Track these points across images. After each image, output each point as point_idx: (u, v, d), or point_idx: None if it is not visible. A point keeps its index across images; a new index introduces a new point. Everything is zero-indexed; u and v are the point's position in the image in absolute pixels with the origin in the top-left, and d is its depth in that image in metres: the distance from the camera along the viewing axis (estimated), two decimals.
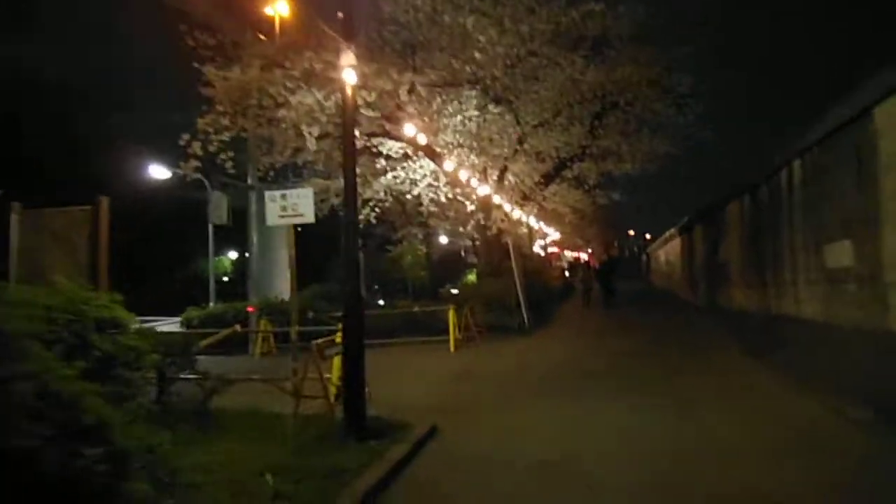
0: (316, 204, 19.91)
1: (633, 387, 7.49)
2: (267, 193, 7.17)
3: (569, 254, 52.70)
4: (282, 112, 11.83)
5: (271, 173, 15.56)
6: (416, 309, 12.70)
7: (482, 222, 17.49)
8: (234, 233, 34.05)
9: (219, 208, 13.40)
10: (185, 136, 10.88)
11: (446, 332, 12.12)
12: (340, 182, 18.53)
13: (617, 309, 21.40)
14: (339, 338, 6.87)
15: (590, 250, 50.60)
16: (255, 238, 31.02)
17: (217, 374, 6.51)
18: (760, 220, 11.76)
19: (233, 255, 41.39)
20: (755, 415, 6.13)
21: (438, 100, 14.57)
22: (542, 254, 40.08)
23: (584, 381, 8.23)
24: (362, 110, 13.51)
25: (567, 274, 37.35)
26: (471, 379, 8.88)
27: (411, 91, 12.89)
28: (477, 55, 13.29)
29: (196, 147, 10.82)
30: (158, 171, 17.50)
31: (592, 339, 13.13)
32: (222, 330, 9.59)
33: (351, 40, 6.16)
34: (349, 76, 6.02)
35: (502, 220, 16.45)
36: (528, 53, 14.43)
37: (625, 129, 16.39)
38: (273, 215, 6.91)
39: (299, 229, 7.26)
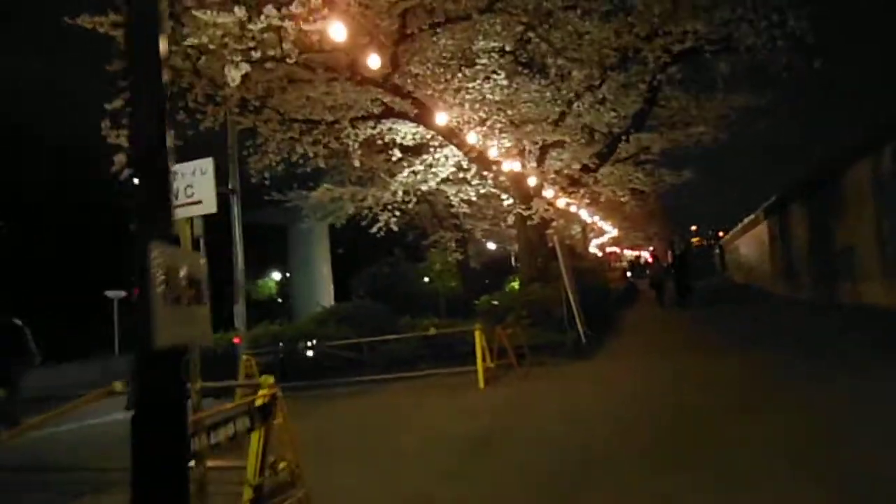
0: (329, 211, 16.98)
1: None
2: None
3: (629, 253, 48.54)
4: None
5: (267, 180, 12.86)
6: (431, 331, 9.59)
7: (521, 213, 14.26)
8: (276, 252, 32.22)
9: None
10: (105, 125, 8.11)
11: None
12: (355, 188, 15.60)
13: (696, 310, 17.70)
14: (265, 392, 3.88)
15: (651, 248, 46.40)
16: (295, 256, 29.02)
17: None
18: None
19: (276, 275, 39.82)
20: None
21: (454, 64, 11.50)
22: (600, 254, 36.40)
23: (701, 454, 4.66)
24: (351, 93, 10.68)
25: (629, 275, 33.49)
26: (499, 453, 5.42)
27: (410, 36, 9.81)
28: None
29: (114, 135, 8.00)
30: None
31: (682, 361, 9.68)
32: None
33: None
34: None
35: (545, 210, 13.20)
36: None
37: (694, 84, 12.96)
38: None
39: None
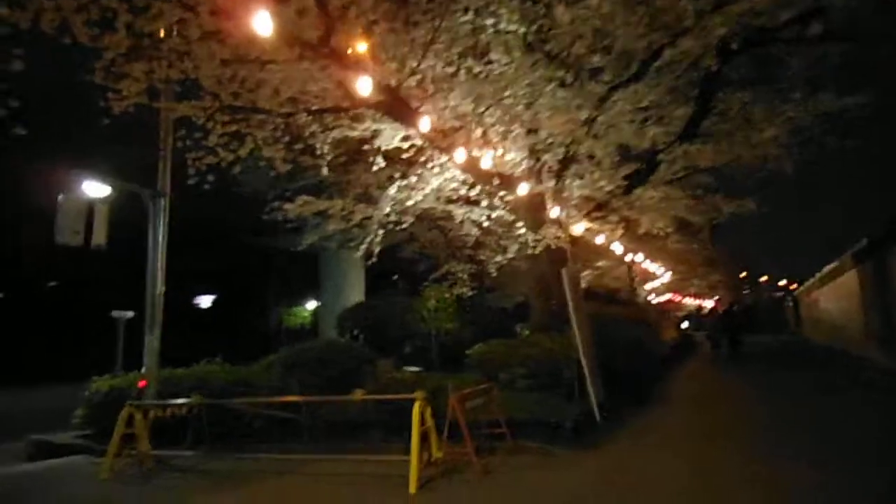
0: (318, 229, 14.29)
1: None
2: None
3: (690, 301, 44.16)
4: None
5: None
6: (357, 397, 6.57)
7: (528, 243, 11.27)
8: (310, 279, 30.31)
9: (76, 221, 8.21)
10: None
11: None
12: (341, 201, 12.97)
13: (762, 374, 14.06)
14: None
15: (717, 297, 41.97)
16: (326, 283, 26.96)
17: None
18: None
19: (312, 304, 37.76)
20: None
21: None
22: (654, 301, 32.47)
23: None
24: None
25: (685, 326, 29.48)
26: None
27: None
28: None
29: None
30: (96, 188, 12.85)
31: (732, 458, 6.39)
32: None
33: None
34: None
35: (556, 238, 10.20)
36: None
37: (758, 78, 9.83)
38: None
39: None
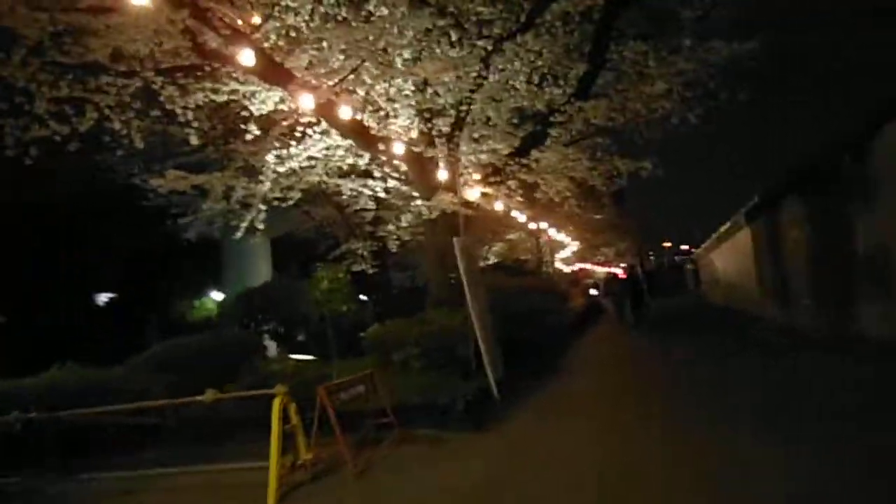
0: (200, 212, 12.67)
1: None
2: None
3: (600, 269, 45.20)
4: None
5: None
6: (209, 398, 5.55)
7: (423, 212, 10.48)
8: (214, 269, 28.15)
9: None
10: None
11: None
12: (220, 175, 11.47)
13: (660, 336, 14.10)
14: None
15: (623, 265, 43.22)
16: (230, 273, 25.07)
17: None
18: None
19: (219, 295, 35.36)
20: None
21: None
22: (565, 270, 32.80)
23: None
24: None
25: (594, 292, 29.96)
26: None
27: None
28: None
29: None
30: None
31: (632, 433, 5.92)
32: None
33: None
34: None
35: (451, 204, 9.47)
36: None
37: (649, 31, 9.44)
38: None
39: None
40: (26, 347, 15.36)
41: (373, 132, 9.45)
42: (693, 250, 45.24)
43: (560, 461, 5.16)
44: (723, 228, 20.73)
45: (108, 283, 32.78)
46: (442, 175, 9.86)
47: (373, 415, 6.55)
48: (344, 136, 9.51)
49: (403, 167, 10.74)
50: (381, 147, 9.40)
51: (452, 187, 9.52)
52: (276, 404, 5.08)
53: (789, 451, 4.57)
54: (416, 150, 9.82)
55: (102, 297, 33.70)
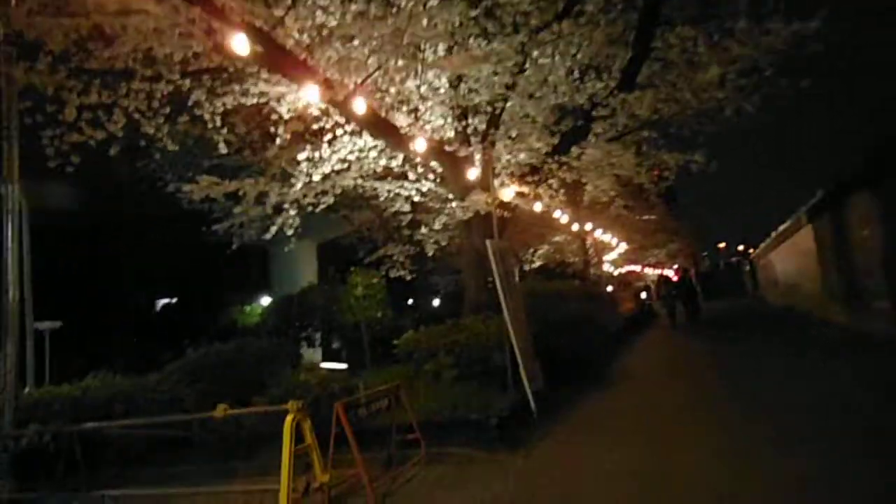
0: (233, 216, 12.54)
1: None
2: None
3: (651, 272, 43.80)
4: None
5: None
6: (222, 410, 5.18)
7: (458, 213, 10.02)
8: (262, 276, 28.61)
9: None
10: None
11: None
12: (254, 181, 11.22)
13: (719, 343, 13.19)
14: None
15: (675, 266, 41.73)
16: (277, 279, 25.34)
17: None
18: None
19: (267, 300, 35.92)
20: None
21: None
22: (614, 272, 31.74)
23: None
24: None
25: (643, 296, 28.83)
26: None
27: None
28: None
29: None
30: None
31: (690, 456, 5.30)
32: None
33: None
34: None
35: (486, 204, 8.98)
36: None
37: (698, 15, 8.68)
38: None
39: None
40: (82, 352, 15.65)
41: (404, 131, 9.06)
42: (750, 251, 43.22)
43: (600, 490, 4.59)
44: (782, 227, 19.49)
45: (164, 289, 33.67)
46: (476, 175, 9.40)
47: (399, 431, 6.12)
48: (373, 136, 9.16)
49: (439, 169, 10.35)
50: (412, 147, 8.98)
51: (487, 187, 9.03)
52: (288, 423, 4.69)
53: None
54: (450, 149, 9.39)
55: (161, 303, 34.75)
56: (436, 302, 25.02)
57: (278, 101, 8.93)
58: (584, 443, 6.27)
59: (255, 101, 8.78)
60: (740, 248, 60.05)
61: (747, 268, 40.04)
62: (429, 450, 5.97)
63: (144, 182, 16.37)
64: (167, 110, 8.03)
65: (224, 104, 8.46)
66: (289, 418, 4.72)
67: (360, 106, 7.99)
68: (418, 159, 10.59)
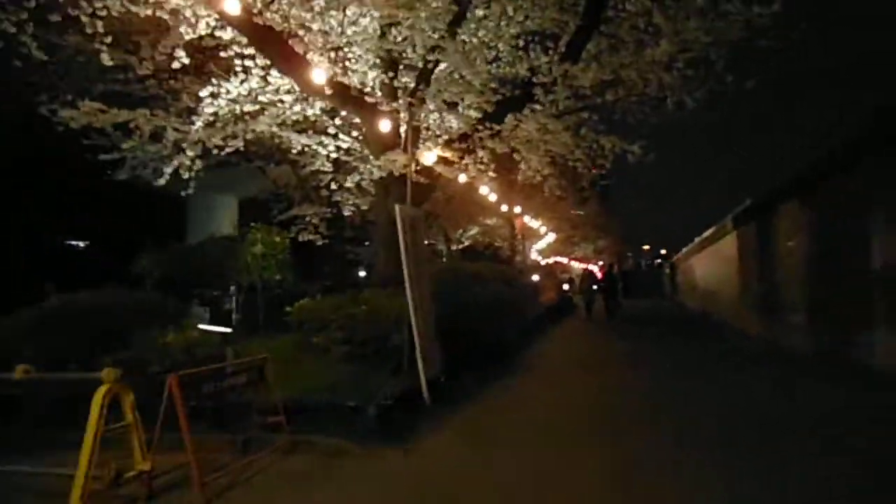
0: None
1: None
2: None
3: (577, 265, 44.23)
4: None
5: None
6: (21, 371, 4.15)
7: (371, 173, 9.08)
8: (176, 227, 26.37)
9: None
10: None
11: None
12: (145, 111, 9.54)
13: (634, 340, 12.90)
14: None
15: (600, 263, 42.29)
16: (194, 232, 23.41)
17: None
18: None
19: None
20: None
21: None
22: (540, 261, 31.60)
23: None
24: None
25: (566, 287, 28.83)
26: None
27: None
28: None
29: None
30: None
31: (583, 452, 4.64)
32: None
33: None
34: None
35: (404, 167, 8.07)
36: None
37: None
38: None
39: None
40: None
41: (314, 62, 7.92)
42: (670, 256, 44.40)
43: (485, 498, 3.85)
44: (707, 233, 19.59)
45: (76, 233, 30.81)
46: (395, 131, 8.48)
47: (263, 412, 5.19)
48: (260, 49, 7.92)
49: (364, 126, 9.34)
50: (309, 77, 7.79)
51: (406, 148, 8.10)
52: (99, 395, 3.67)
53: None
54: (371, 100, 8.39)
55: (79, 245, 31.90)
56: (362, 273, 24.03)
57: (174, 15, 7.63)
58: (474, 440, 5.51)
59: (148, 11, 7.46)
60: (663, 251, 61.95)
61: (668, 270, 41.02)
62: (294, 437, 5.07)
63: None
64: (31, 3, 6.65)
65: (105, 5, 7.07)
66: (100, 391, 3.70)
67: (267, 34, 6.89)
68: (343, 113, 9.55)
